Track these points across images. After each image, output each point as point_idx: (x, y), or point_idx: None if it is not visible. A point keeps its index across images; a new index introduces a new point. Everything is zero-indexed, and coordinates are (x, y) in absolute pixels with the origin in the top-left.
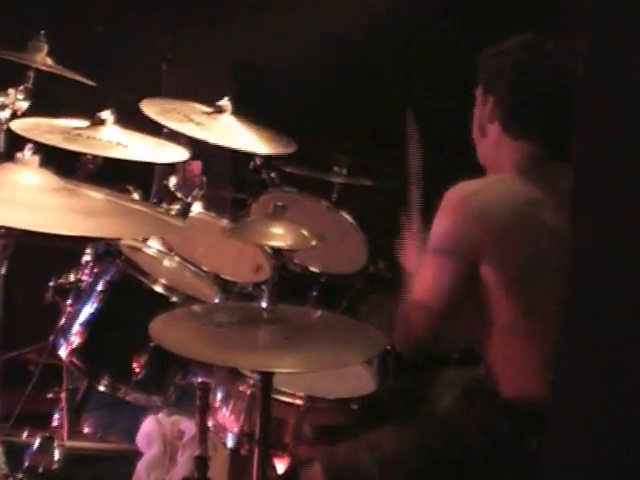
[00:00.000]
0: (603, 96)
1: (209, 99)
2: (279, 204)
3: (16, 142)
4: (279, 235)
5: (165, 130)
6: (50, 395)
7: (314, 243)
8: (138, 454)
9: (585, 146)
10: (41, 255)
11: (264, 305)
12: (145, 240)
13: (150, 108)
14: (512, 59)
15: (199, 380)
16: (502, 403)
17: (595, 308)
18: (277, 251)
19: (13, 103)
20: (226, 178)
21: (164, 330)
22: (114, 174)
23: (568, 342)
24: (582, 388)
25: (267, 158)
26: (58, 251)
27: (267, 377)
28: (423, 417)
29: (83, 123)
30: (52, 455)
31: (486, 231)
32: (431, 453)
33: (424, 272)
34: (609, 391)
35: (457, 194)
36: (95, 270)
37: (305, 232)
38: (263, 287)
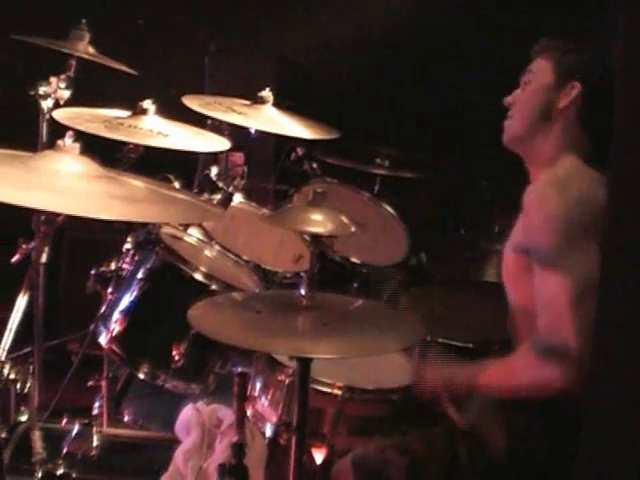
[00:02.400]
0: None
1: (251, 92)
2: (318, 191)
3: (59, 131)
4: (318, 222)
5: (209, 122)
6: (90, 383)
7: (353, 230)
8: (176, 442)
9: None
10: (83, 245)
11: (303, 292)
12: (186, 229)
13: (192, 102)
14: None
15: (238, 370)
16: (533, 401)
17: (633, 303)
18: (316, 238)
19: (55, 92)
20: (268, 169)
21: (203, 316)
22: (157, 164)
23: (605, 339)
24: (620, 390)
25: (309, 149)
26: (100, 242)
27: (305, 363)
28: (451, 422)
29: (125, 113)
30: (91, 442)
31: (587, 213)
32: (455, 460)
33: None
34: None
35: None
36: (136, 258)
37: (344, 219)
38: (302, 274)
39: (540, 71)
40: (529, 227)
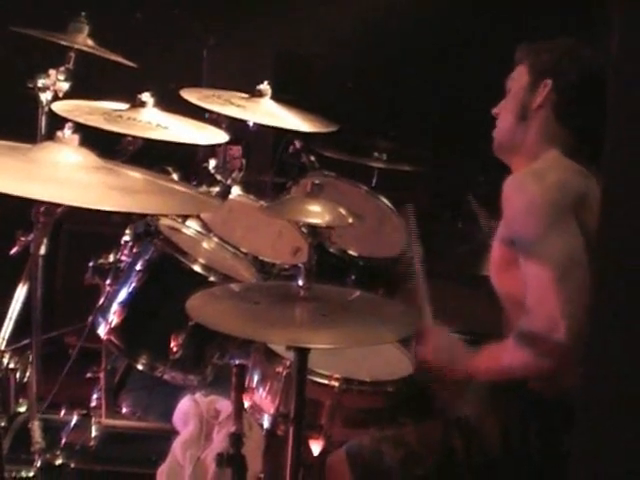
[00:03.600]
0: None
1: (249, 85)
2: (316, 182)
3: (57, 123)
4: (316, 212)
5: (206, 115)
6: (89, 375)
7: (351, 221)
8: (174, 433)
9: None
10: (81, 238)
11: (300, 283)
12: (184, 221)
13: (191, 95)
14: (578, 50)
15: (236, 362)
16: (529, 395)
17: (629, 298)
18: (314, 229)
19: (54, 84)
20: (266, 162)
21: (202, 307)
22: (155, 156)
23: (601, 330)
24: (614, 379)
25: (307, 142)
26: (98, 235)
27: (302, 353)
28: (447, 414)
29: (124, 105)
30: (89, 432)
31: (565, 199)
32: (450, 454)
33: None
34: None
35: (524, 174)
36: (134, 250)
37: (342, 210)
38: (300, 265)
39: (518, 76)
40: (510, 216)
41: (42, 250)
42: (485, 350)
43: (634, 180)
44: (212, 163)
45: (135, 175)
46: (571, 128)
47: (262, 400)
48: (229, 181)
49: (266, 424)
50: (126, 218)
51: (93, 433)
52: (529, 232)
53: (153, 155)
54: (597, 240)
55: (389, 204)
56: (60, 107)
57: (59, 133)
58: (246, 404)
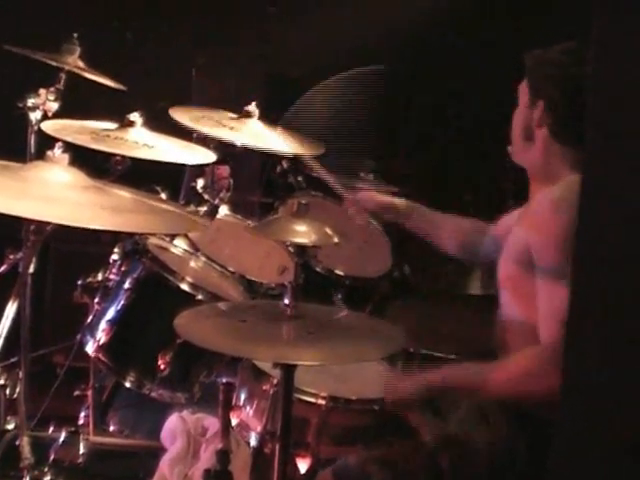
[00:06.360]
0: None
1: (238, 105)
2: (302, 202)
3: (46, 143)
4: (302, 232)
5: (194, 135)
6: (77, 393)
7: (337, 240)
8: (162, 450)
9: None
10: (69, 257)
11: (287, 301)
12: (172, 240)
13: (180, 115)
14: (563, 67)
15: (223, 380)
16: (516, 411)
17: (602, 307)
18: (300, 248)
19: (44, 103)
20: (254, 182)
21: (189, 324)
22: (143, 176)
23: (577, 340)
24: (592, 392)
25: (294, 162)
26: (86, 254)
27: (289, 370)
28: (433, 432)
29: (112, 125)
30: (77, 449)
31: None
32: (438, 473)
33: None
34: (620, 395)
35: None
36: (122, 268)
37: (327, 230)
38: (287, 283)
39: (521, 91)
40: (540, 244)
41: (31, 268)
42: (489, 369)
43: (611, 191)
44: (200, 183)
45: (124, 194)
46: (571, 145)
47: (249, 418)
48: (217, 201)
49: (253, 442)
50: (115, 237)
51: (81, 450)
52: (561, 261)
53: (142, 175)
54: (574, 251)
55: (376, 224)
56: (49, 126)
57: (49, 152)
58: (233, 422)
